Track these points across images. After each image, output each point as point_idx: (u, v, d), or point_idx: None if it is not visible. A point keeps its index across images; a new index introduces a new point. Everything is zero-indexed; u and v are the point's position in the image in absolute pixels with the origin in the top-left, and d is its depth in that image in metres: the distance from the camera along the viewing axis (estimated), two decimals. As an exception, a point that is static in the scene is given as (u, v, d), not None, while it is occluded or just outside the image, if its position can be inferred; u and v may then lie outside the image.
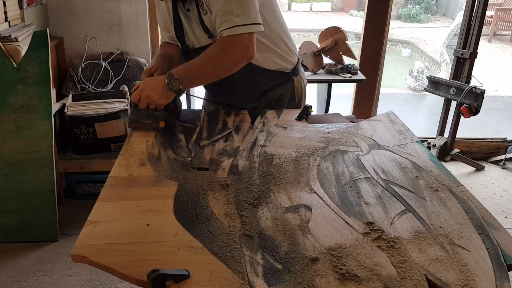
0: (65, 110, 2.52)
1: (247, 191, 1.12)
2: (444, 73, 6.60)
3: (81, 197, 2.73)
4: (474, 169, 3.29)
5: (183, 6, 1.53)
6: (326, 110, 2.90)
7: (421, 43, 9.57)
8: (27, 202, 2.32)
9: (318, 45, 2.84)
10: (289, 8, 12.85)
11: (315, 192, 1.12)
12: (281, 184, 1.15)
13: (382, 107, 3.35)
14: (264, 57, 1.60)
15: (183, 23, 1.58)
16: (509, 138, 3.49)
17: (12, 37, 2.22)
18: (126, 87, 2.69)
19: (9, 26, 2.36)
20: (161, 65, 1.58)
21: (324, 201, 1.08)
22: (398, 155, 1.33)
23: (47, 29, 2.29)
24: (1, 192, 2.30)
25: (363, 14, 3.11)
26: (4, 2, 2.30)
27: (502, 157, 3.37)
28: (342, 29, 2.79)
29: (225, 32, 1.40)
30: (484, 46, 9.22)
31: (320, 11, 12.80)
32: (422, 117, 5.30)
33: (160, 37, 2.90)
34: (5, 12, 2.32)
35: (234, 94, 1.69)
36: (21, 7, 2.47)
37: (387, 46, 3.15)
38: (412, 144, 1.40)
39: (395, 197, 1.10)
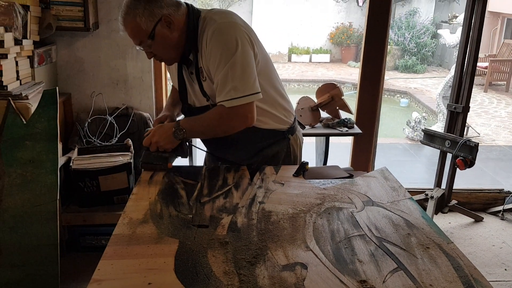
0: (71, 164, 2.59)
1: (245, 249, 1.16)
2: (441, 123, 6.73)
3: (83, 249, 2.74)
4: (473, 220, 3.31)
5: (187, 68, 1.65)
6: (325, 162, 2.97)
7: (418, 93, 9.78)
8: (30, 256, 2.34)
9: (316, 100, 2.95)
10: (289, 59, 13.24)
11: (311, 250, 1.16)
12: (278, 242, 1.20)
13: (381, 158, 3.43)
14: (261, 119, 1.69)
15: (186, 84, 1.69)
16: (506, 189, 3.53)
17: (23, 95, 2.33)
18: (130, 141, 2.77)
19: (20, 84, 2.48)
20: (170, 114, 1.80)
21: (319, 259, 1.13)
22: (391, 212, 1.38)
23: (57, 88, 2.40)
24: (5, 245, 2.33)
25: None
26: (16, 62, 2.43)
27: (500, 208, 3.41)
28: (338, 85, 2.91)
29: (223, 104, 1.53)
30: (480, 96, 9.43)
31: (319, 62, 13.18)
32: (420, 167, 5.37)
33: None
34: (17, 71, 2.44)
35: (230, 151, 1.80)
36: (32, 65, 2.60)
37: (385, 96, 3.26)
38: (404, 201, 1.46)
39: (387, 254, 1.15)
